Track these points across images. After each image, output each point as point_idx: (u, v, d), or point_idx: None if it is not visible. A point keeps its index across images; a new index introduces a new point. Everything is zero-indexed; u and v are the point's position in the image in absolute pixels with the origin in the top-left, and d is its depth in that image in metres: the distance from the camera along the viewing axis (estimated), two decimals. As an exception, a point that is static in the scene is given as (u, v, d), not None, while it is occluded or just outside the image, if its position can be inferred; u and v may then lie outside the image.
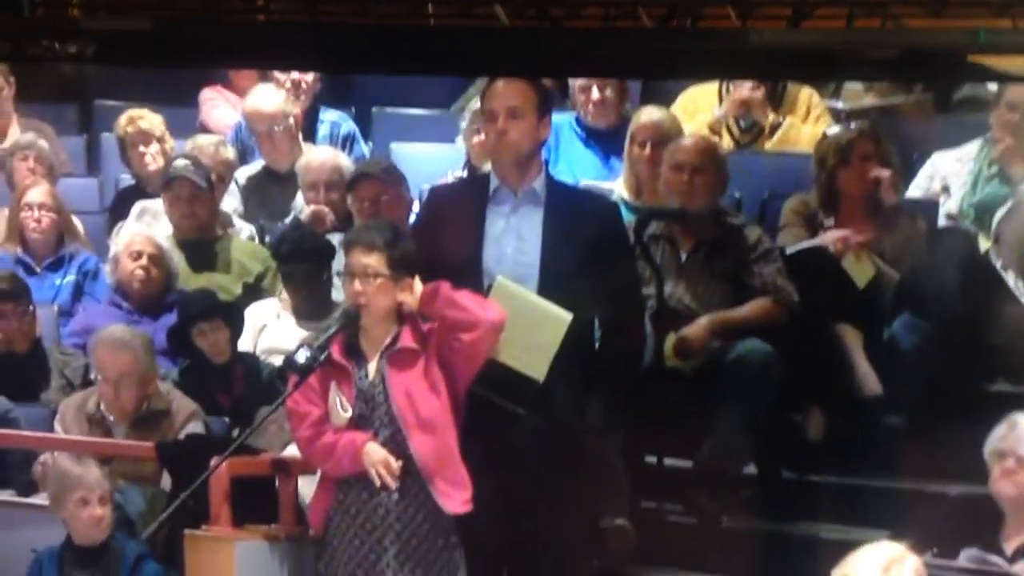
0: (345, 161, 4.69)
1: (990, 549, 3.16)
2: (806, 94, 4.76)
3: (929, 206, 4.31)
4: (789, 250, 4.05)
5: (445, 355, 3.15)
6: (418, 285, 3.18)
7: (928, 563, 2.80)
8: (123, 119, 4.98)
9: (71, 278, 4.69)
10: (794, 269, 3.97)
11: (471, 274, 3.28)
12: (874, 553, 2.55)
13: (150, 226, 4.60)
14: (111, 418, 3.88)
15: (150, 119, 4.95)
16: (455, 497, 3.14)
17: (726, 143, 4.63)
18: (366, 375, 3.21)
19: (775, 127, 4.71)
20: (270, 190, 4.89)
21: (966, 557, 3.12)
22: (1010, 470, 3.15)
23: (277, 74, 5.03)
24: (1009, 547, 3.14)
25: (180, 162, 4.60)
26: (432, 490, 3.13)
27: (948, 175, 4.37)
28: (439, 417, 3.16)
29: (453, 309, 3.11)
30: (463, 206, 3.37)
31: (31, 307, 4.32)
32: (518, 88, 3.29)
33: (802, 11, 2.98)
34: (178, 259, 4.49)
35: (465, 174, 4.63)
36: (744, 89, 4.65)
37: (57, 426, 3.95)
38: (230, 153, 4.91)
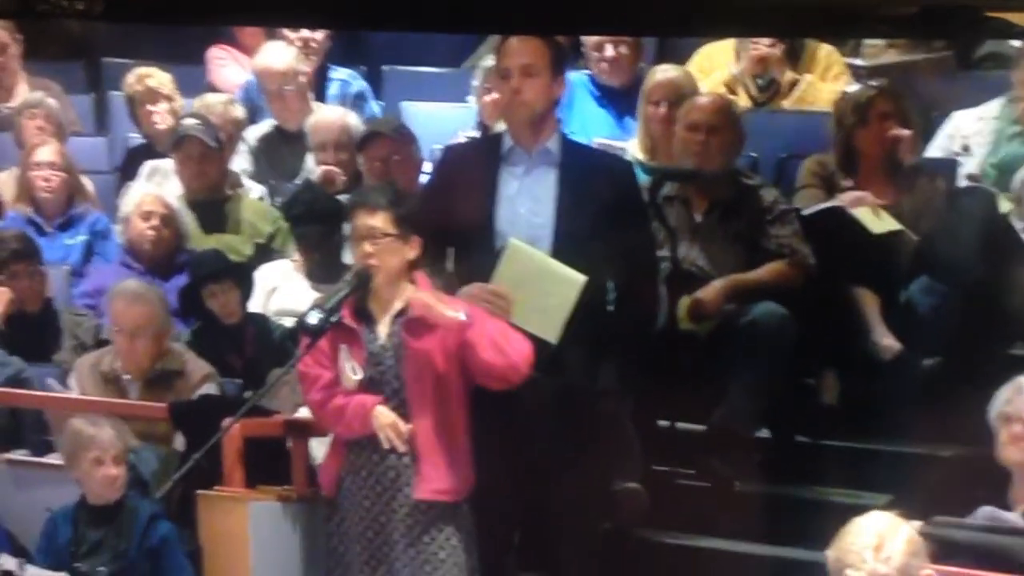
0: (355, 120, 4.64)
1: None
2: (825, 51, 4.67)
3: (949, 166, 4.23)
4: (806, 211, 4.00)
5: (465, 362, 3.12)
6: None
7: (941, 522, 2.79)
8: (131, 77, 4.93)
9: (82, 238, 4.67)
10: (811, 231, 3.91)
11: (484, 235, 3.26)
12: (865, 528, 2.52)
13: (160, 186, 4.57)
14: (126, 377, 3.87)
15: (158, 77, 4.90)
16: (432, 483, 3.12)
17: (743, 101, 4.55)
18: (376, 338, 3.20)
19: (793, 85, 4.63)
20: (280, 150, 4.84)
21: (982, 516, 3.09)
22: (1017, 435, 3.10)
23: (286, 32, 4.96)
24: (1018, 510, 3.11)
25: (189, 121, 4.57)
26: (413, 469, 3.11)
27: (969, 134, 4.29)
28: (445, 394, 3.15)
29: (491, 352, 3.08)
30: (476, 166, 3.33)
31: (42, 267, 4.31)
32: (532, 46, 3.24)
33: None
34: (188, 219, 4.46)
35: (477, 133, 4.58)
36: (762, 46, 4.57)
37: (71, 383, 3.95)
38: (239, 112, 4.86)
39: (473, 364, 3.10)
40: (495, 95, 4.48)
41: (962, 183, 4.23)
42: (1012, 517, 3.03)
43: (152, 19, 3.87)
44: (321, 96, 4.98)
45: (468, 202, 3.29)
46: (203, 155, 4.49)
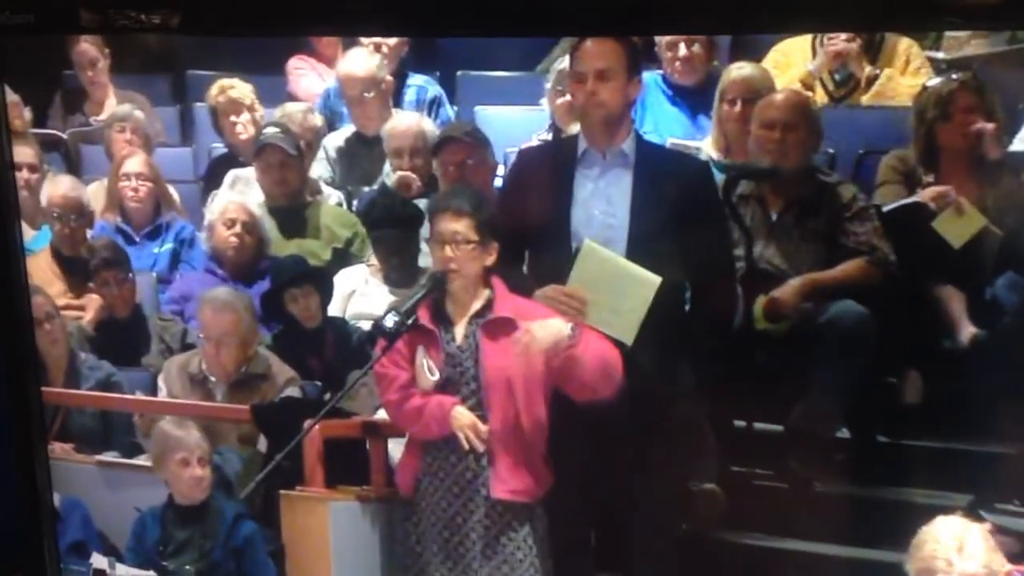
0: (429, 126, 4.68)
1: None
2: (905, 45, 4.57)
3: (1035, 160, 4.12)
4: (886, 208, 3.93)
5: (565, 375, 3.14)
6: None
7: (1012, 511, 2.73)
8: (214, 89, 5.05)
9: (168, 246, 4.79)
10: (891, 228, 3.85)
11: (558, 237, 3.28)
12: (941, 534, 2.48)
13: (243, 194, 4.66)
14: (212, 379, 3.97)
15: (240, 88, 5.00)
16: (508, 484, 3.15)
17: (820, 98, 4.48)
18: (453, 339, 3.24)
19: (872, 80, 4.53)
20: (359, 155, 4.91)
21: None
22: None
23: (362, 40, 5.03)
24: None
25: (270, 130, 4.66)
26: (490, 469, 3.13)
27: (1055, 127, 4.16)
28: (522, 396, 3.17)
29: (596, 373, 3.13)
30: (551, 169, 3.35)
31: (131, 275, 4.44)
32: (607, 48, 3.25)
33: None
34: (270, 226, 4.55)
35: (550, 136, 4.59)
36: (839, 41, 4.49)
37: (161, 384, 4.05)
38: (318, 120, 4.95)
39: (573, 379, 3.11)
40: (567, 98, 4.49)
41: (1049, 177, 4.11)
42: None
43: (228, 31, 3.98)
44: (398, 102, 5.04)
45: (543, 204, 3.31)
46: (283, 163, 4.57)
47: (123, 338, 4.35)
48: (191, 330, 4.31)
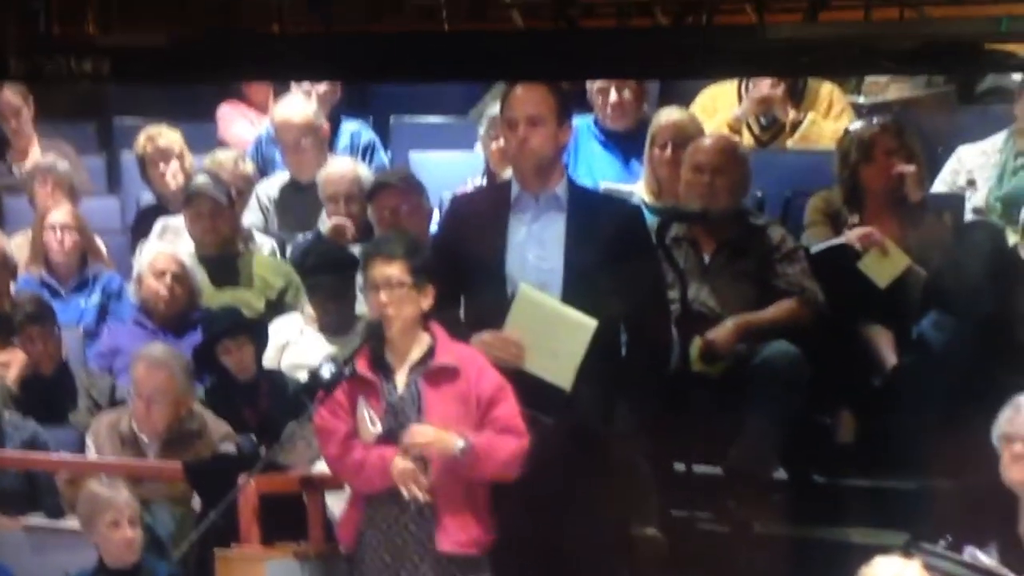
0: (364, 172, 4.67)
1: (1010, 539, 3.10)
2: (827, 89, 4.70)
3: (955, 201, 4.24)
4: (814, 249, 4.01)
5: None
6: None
7: (937, 552, 2.78)
8: (142, 137, 4.98)
9: (96, 299, 4.69)
10: (819, 268, 3.92)
11: (494, 282, 3.27)
12: (883, 574, 2.53)
13: (172, 243, 4.59)
14: (144, 438, 3.88)
15: (168, 136, 4.95)
16: (453, 536, 3.11)
17: (747, 142, 4.58)
18: (394, 388, 3.20)
19: (796, 124, 4.65)
20: (294, 202, 4.88)
21: (967, 554, 3.09)
22: (1018, 454, 3.09)
23: (294, 85, 5.02)
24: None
25: (200, 178, 4.60)
26: (434, 521, 3.10)
27: (974, 168, 4.30)
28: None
29: (494, 469, 3.12)
30: (485, 214, 3.35)
31: (56, 329, 4.32)
32: (537, 94, 3.27)
33: (819, 4, 2.93)
34: (201, 276, 4.48)
35: (485, 181, 4.61)
36: (764, 86, 4.60)
37: (89, 442, 3.95)
38: (249, 167, 4.90)
39: (476, 473, 3.12)
40: (501, 143, 4.53)
41: (969, 217, 4.23)
42: (986, 559, 3.02)
43: (159, 78, 3.93)
44: (331, 147, 5.02)
45: (478, 249, 3.30)
46: (214, 211, 4.52)
47: (49, 395, 4.23)
48: (120, 385, 4.22)
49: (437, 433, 3.10)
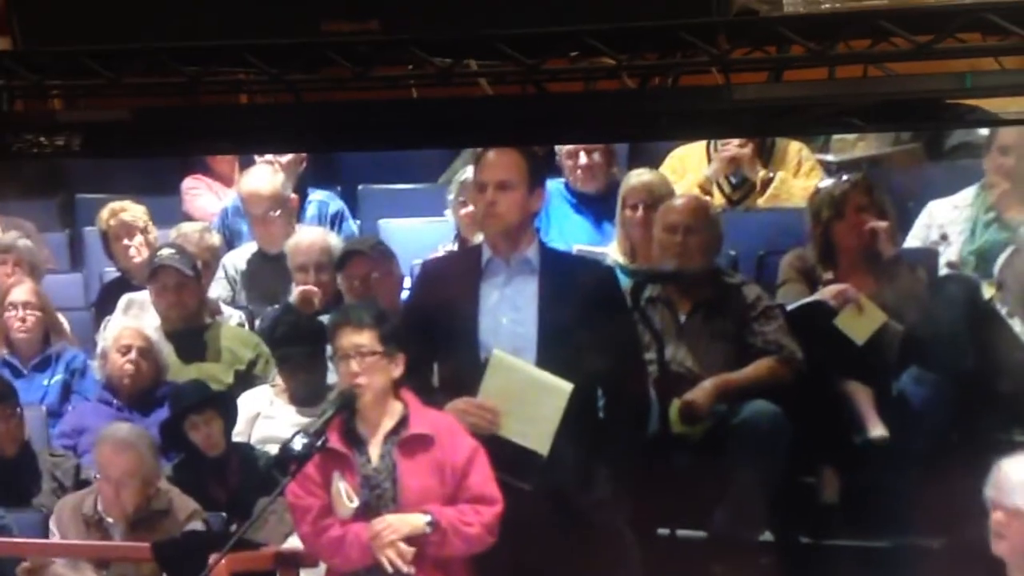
0: (334, 240, 4.62)
1: None
2: (795, 148, 4.73)
3: (928, 255, 4.24)
4: (789, 307, 3.98)
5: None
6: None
7: None
8: (105, 212, 4.91)
9: (59, 377, 4.57)
10: (796, 326, 3.89)
11: (468, 348, 3.22)
12: None
13: (137, 318, 4.50)
14: (109, 520, 3.76)
15: (133, 210, 4.88)
16: None
17: (718, 201, 4.58)
18: (368, 460, 3.12)
19: (766, 183, 4.67)
20: (262, 273, 4.81)
21: None
22: (1000, 522, 3.01)
23: (257, 158, 4.98)
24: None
25: (165, 251, 4.53)
26: None
27: (945, 223, 4.31)
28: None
29: (459, 546, 3.09)
30: (456, 280, 3.31)
31: (19, 409, 4.20)
32: (508, 159, 3.26)
33: (784, 64, 2.95)
34: (167, 351, 4.39)
35: (456, 247, 4.57)
36: (732, 146, 4.62)
37: (53, 527, 3.82)
38: (215, 239, 4.84)
39: (447, 548, 3.06)
40: (471, 208, 4.51)
41: (943, 272, 4.23)
42: None
43: (126, 153, 3.87)
44: (299, 217, 4.98)
45: (450, 316, 3.26)
46: (179, 284, 4.44)
47: (11, 477, 4.09)
48: (85, 466, 4.09)
49: (400, 519, 3.03)
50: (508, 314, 3.23)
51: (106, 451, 3.78)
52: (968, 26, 2.48)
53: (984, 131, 4.26)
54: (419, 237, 4.80)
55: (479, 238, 3.96)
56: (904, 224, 4.33)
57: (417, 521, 3.02)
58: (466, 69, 2.80)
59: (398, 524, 3.02)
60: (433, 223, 4.86)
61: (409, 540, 3.04)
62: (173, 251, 4.51)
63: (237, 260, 4.85)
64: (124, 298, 4.68)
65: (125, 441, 3.77)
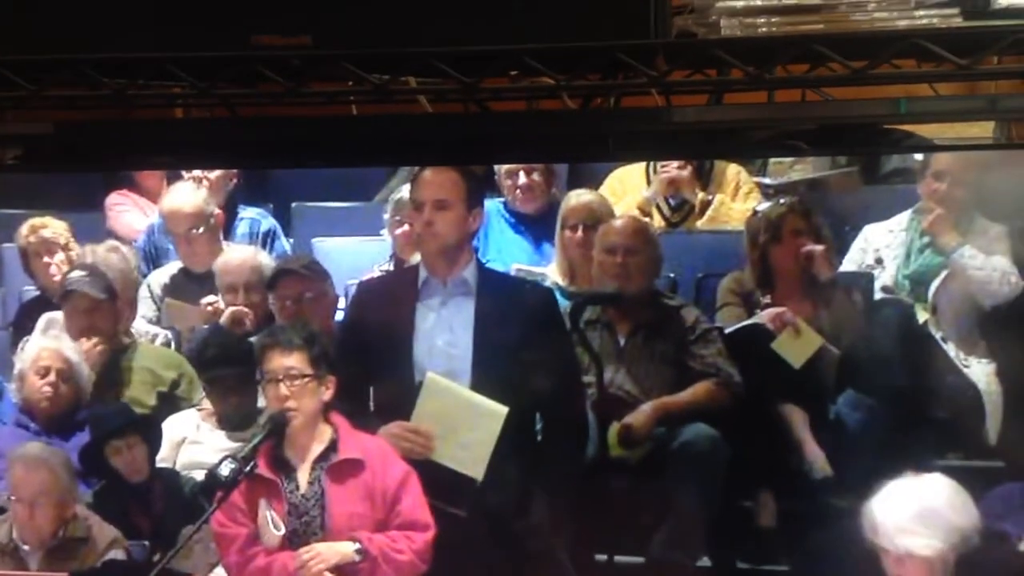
0: (265, 259, 4.50)
1: None
2: (734, 171, 4.74)
3: (864, 279, 4.26)
4: (728, 330, 3.97)
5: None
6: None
7: None
8: (25, 228, 4.74)
9: (-28, 401, 4.39)
10: (734, 349, 3.88)
11: (402, 371, 3.15)
12: None
13: (57, 339, 4.33)
14: (26, 547, 3.59)
15: (54, 226, 4.71)
16: None
17: (657, 223, 4.57)
18: (296, 487, 3.02)
19: (705, 205, 4.67)
20: (187, 292, 4.67)
21: None
22: (893, 567, 2.88)
23: (186, 172, 4.85)
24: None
25: (75, 274, 4.36)
26: None
27: (881, 247, 4.34)
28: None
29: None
30: (392, 300, 3.24)
31: (-73, 433, 4.02)
32: (446, 178, 3.19)
33: (722, 87, 2.94)
34: (88, 373, 4.23)
35: (391, 266, 4.49)
36: (672, 168, 4.61)
37: (-37, 559, 3.65)
38: (128, 260, 4.66)
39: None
40: (407, 227, 4.43)
41: (878, 296, 4.26)
42: None
43: (51, 167, 3.73)
44: (229, 235, 4.85)
45: (386, 337, 3.18)
46: (92, 308, 4.28)
47: (-81, 505, 3.91)
48: (1, 492, 3.91)
49: (328, 547, 2.95)
50: (443, 336, 3.17)
51: (18, 471, 3.63)
52: (903, 52, 2.49)
53: (919, 156, 4.30)
54: (354, 256, 4.71)
55: (416, 258, 3.88)
56: (841, 248, 4.35)
57: (346, 549, 2.94)
58: (404, 86, 2.74)
59: (326, 553, 2.94)
60: (368, 242, 4.78)
61: (338, 569, 2.94)
62: (84, 273, 4.34)
63: (162, 278, 4.71)
64: (44, 318, 4.50)
65: (37, 459, 3.62)
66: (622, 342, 3.88)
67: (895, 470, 3.69)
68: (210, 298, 4.43)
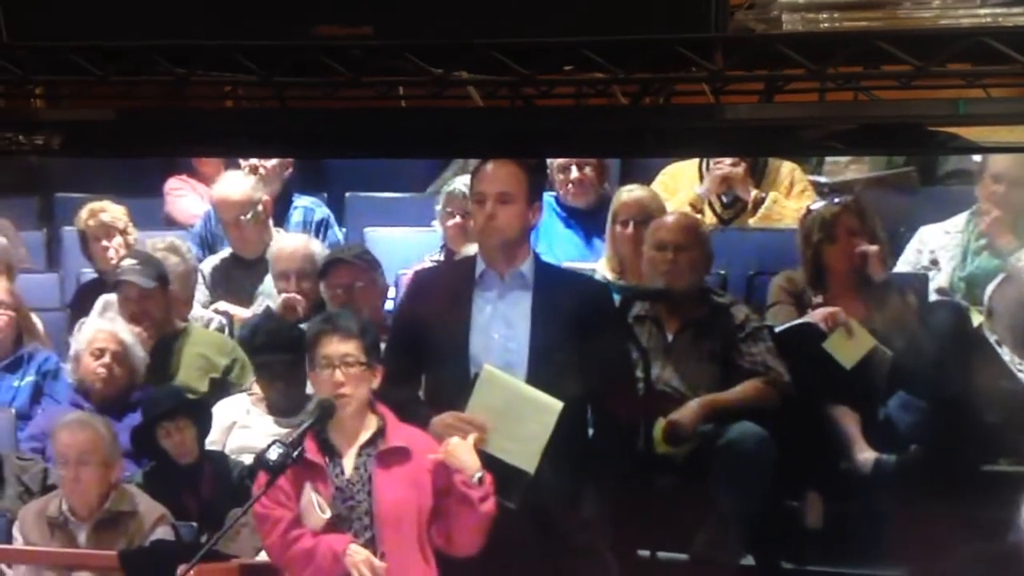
0: (318, 248, 4.55)
1: None
2: (788, 168, 4.70)
3: (919, 281, 4.21)
4: (778, 328, 3.94)
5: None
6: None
7: None
8: (84, 212, 4.82)
9: (30, 379, 4.47)
10: (784, 348, 3.85)
11: (457, 362, 3.15)
12: None
13: (113, 321, 4.41)
14: (73, 520, 3.66)
15: (112, 211, 4.79)
16: None
17: (709, 220, 4.54)
18: (342, 471, 3.05)
19: (758, 203, 4.63)
20: (238, 278, 4.73)
21: None
22: None
23: (243, 160, 4.91)
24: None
25: (127, 262, 4.43)
26: None
27: (936, 248, 4.29)
28: (418, 529, 3.01)
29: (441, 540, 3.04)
30: (448, 291, 3.24)
31: (-14, 411, 4.11)
32: (508, 172, 3.19)
33: (774, 84, 2.92)
34: (142, 355, 4.29)
35: (442, 257, 4.51)
36: (725, 165, 4.58)
37: (16, 534, 3.72)
38: (187, 248, 4.72)
39: (451, 524, 3.01)
40: (458, 219, 4.44)
41: (933, 297, 4.20)
42: None
43: (108, 153, 3.80)
44: (283, 223, 4.90)
45: (440, 327, 3.19)
46: (141, 297, 4.34)
47: (-25, 482, 4.00)
48: (53, 470, 3.99)
49: (466, 451, 2.98)
50: (500, 329, 3.17)
51: (63, 436, 3.70)
52: (966, 51, 2.45)
53: (977, 158, 4.24)
54: (405, 247, 4.74)
55: (466, 250, 3.90)
56: (895, 248, 4.30)
57: (474, 461, 2.96)
58: (458, 78, 2.75)
59: (463, 455, 2.97)
60: (420, 233, 4.80)
61: (371, 567, 2.94)
62: (135, 262, 4.40)
63: (213, 263, 4.77)
64: (100, 300, 4.58)
65: (79, 421, 3.70)
66: (670, 338, 3.86)
67: (944, 474, 3.66)
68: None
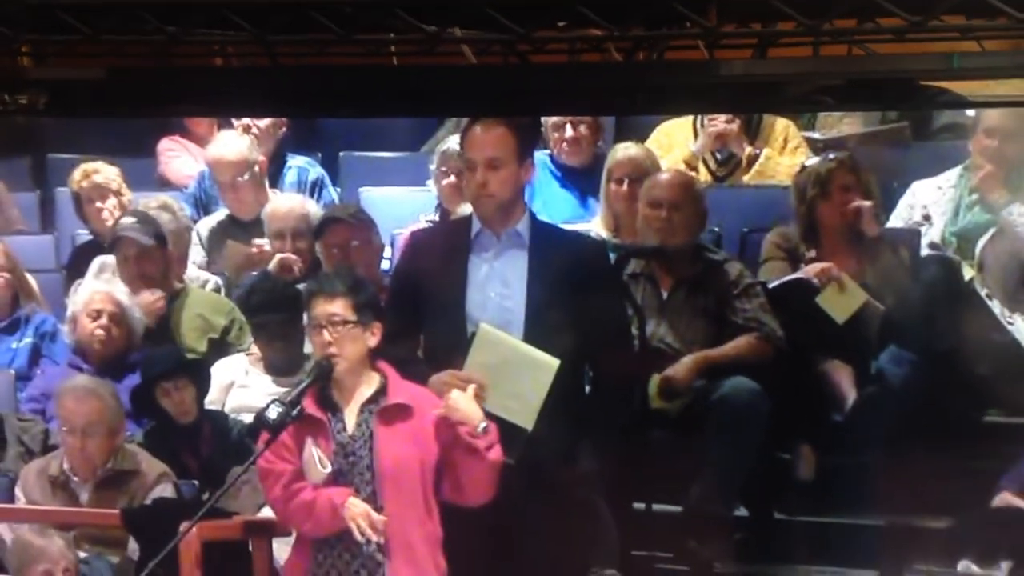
0: (313, 208, 4.55)
1: None
2: (782, 125, 4.70)
3: (911, 235, 4.24)
4: (771, 284, 3.97)
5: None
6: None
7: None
8: (77, 173, 4.81)
9: (28, 340, 4.49)
10: (778, 303, 3.88)
11: (454, 321, 3.17)
12: None
13: (110, 282, 4.41)
14: (75, 479, 3.69)
15: (106, 172, 4.78)
16: None
17: (703, 177, 4.55)
18: (344, 427, 3.08)
19: (752, 159, 4.64)
20: (234, 239, 4.73)
21: (961, 566, 3.03)
22: None
23: (235, 120, 4.89)
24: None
25: (126, 220, 4.43)
26: (387, 565, 2.99)
27: (929, 203, 4.31)
28: (418, 484, 3.04)
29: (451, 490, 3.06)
30: (444, 251, 3.25)
31: (-15, 373, 4.13)
32: (496, 135, 3.18)
33: (768, 40, 2.91)
34: (139, 316, 4.31)
35: (437, 217, 4.51)
36: (719, 122, 4.58)
37: (18, 493, 3.75)
38: (182, 208, 4.72)
39: (459, 474, 3.03)
40: (453, 179, 4.44)
41: (925, 252, 4.23)
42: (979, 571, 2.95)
43: (97, 112, 3.78)
44: (278, 184, 4.90)
45: (437, 287, 3.20)
46: (140, 254, 4.35)
47: (-24, 442, 4.03)
48: (53, 431, 4.02)
49: (468, 403, 3.00)
50: (496, 288, 3.18)
51: (69, 402, 3.71)
52: (960, 6, 2.45)
53: (970, 112, 4.24)
54: (400, 206, 4.75)
55: (461, 209, 3.91)
56: (888, 204, 4.32)
57: (477, 412, 2.98)
58: (451, 35, 2.74)
59: (465, 408, 2.99)
60: (415, 192, 4.80)
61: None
62: (134, 220, 4.40)
63: (209, 224, 4.77)
64: (96, 261, 4.58)
65: (87, 389, 3.71)
66: (665, 295, 3.89)
67: (935, 425, 3.71)
68: (261, 241, 4.49)
